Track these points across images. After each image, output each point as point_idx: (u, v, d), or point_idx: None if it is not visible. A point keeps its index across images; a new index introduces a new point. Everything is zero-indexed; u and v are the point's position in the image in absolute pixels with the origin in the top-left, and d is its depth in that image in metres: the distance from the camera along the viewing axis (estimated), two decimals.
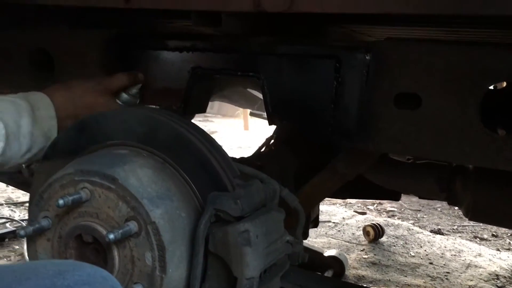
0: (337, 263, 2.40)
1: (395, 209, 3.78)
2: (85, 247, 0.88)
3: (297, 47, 1.20)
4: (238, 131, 7.74)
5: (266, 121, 1.33)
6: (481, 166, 1.05)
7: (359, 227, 3.15)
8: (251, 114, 3.17)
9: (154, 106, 1.15)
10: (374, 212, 3.71)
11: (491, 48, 1.03)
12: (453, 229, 3.37)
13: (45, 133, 1.01)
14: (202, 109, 1.46)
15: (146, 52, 1.38)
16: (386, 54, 1.08)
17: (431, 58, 1.04)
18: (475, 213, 1.51)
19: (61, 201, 0.80)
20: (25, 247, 2.56)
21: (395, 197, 1.96)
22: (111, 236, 0.77)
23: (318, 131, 1.23)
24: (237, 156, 1.41)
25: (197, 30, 1.50)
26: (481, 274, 2.50)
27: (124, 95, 1.19)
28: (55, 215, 0.88)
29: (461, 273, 2.53)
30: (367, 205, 3.79)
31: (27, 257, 2.43)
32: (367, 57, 1.12)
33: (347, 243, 2.91)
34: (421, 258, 2.72)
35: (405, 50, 1.06)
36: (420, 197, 1.85)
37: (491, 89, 1.03)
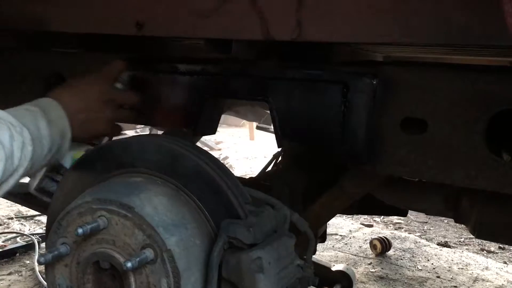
0: (345, 278, 2.41)
1: (402, 221, 3.79)
2: (102, 273, 0.90)
3: (305, 72, 1.23)
4: (244, 141, 7.78)
5: (273, 135, 1.35)
6: (487, 190, 1.07)
7: (366, 240, 3.16)
8: (258, 127, 3.19)
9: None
10: (381, 224, 3.72)
11: (497, 74, 1.05)
12: (460, 241, 3.37)
13: (61, 131, 1.06)
14: (212, 131, 1.49)
15: (157, 75, 1.42)
16: (392, 79, 1.11)
17: (437, 83, 1.06)
18: (481, 231, 1.52)
19: (80, 230, 0.83)
20: (35, 261, 2.59)
21: (402, 213, 1.98)
22: (129, 264, 0.80)
23: (326, 154, 1.26)
24: (245, 171, 1.44)
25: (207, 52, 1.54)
26: None
27: (119, 83, 1.27)
28: (73, 242, 0.91)
29: (469, 287, 2.54)
30: (373, 217, 3.80)
31: (38, 272, 2.47)
32: (374, 82, 1.14)
33: (354, 257, 2.93)
34: (429, 272, 2.72)
35: (411, 75, 1.09)
36: (427, 214, 1.87)
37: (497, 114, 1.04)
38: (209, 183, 0.93)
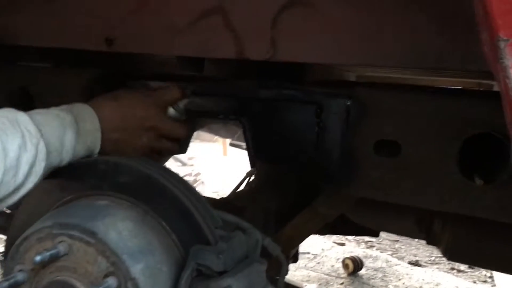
0: None
1: (374, 240, 3.80)
2: None
3: (278, 92, 1.22)
4: (217, 157, 7.73)
5: (246, 151, 1.32)
6: (459, 213, 1.07)
7: (338, 259, 3.15)
8: (231, 144, 3.18)
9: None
10: (353, 242, 3.72)
11: (469, 97, 1.06)
12: (430, 260, 3.39)
13: (88, 146, 0.97)
14: (183, 150, 1.45)
15: None
16: (366, 101, 1.10)
17: (410, 106, 1.06)
18: (453, 253, 1.52)
19: (38, 258, 0.78)
20: None
21: (375, 234, 1.97)
22: None
23: (300, 175, 1.24)
24: (218, 188, 1.41)
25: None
26: None
27: (172, 110, 1.15)
28: (31, 269, 0.85)
29: None
30: (346, 236, 3.80)
31: None
32: (348, 103, 1.13)
33: (327, 276, 2.91)
34: None
35: (385, 98, 1.08)
36: (399, 235, 1.87)
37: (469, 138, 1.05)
38: (178, 207, 0.89)
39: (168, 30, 1.09)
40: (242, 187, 1.86)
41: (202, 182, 5.92)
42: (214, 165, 7.09)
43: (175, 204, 0.89)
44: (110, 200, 0.90)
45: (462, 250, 1.48)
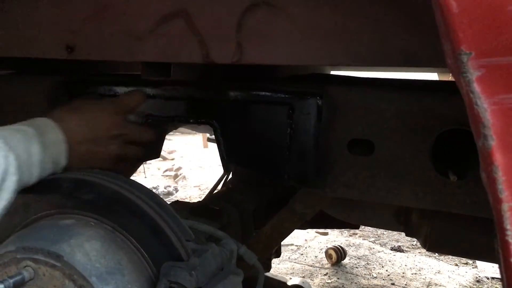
0: None
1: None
2: None
3: (248, 94, 1.19)
4: (198, 150, 7.67)
5: None
6: (435, 209, 1.06)
7: (321, 249, 3.16)
8: (209, 139, 3.14)
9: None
10: (336, 231, 3.73)
11: (441, 92, 1.05)
12: (412, 245, 3.43)
13: (54, 159, 0.92)
14: (156, 155, 1.42)
15: (94, 99, 1.33)
16: (337, 100, 1.08)
17: (382, 104, 1.04)
18: (432, 244, 1.53)
19: (1, 286, 0.74)
20: None
21: (355, 226, 1.97)
22: None
23: (274, 177, 1.22)
24: (199, 181, 1.38)
25: None
26: None
27: (133, 116, 1.13)
28: None
29: None
30: (326, 229, 3.81)
31: None
32: (319, 103, 1.11)
33: (310, 267, 2.91)
34: (383, 279, 2.74)
35: (356, 97, 1.06)
36: (378, 228, 1.87)
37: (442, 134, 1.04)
38: (147, 222, 0.86)
39: (128, 36, 1.05)
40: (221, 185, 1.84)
41: (184, 177, 5.88)
42: (195, 158, 7.04)
43: (144, 219, 0.86)
44: (75, 219, 0.87)
45: (440, 241, 1.49)
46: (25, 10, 1.17)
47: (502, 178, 0.45)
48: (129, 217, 0.87)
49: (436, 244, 1.51)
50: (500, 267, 0.50)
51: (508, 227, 0.46)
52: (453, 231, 1.46)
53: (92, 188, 0.89)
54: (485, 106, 0.43)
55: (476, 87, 0.42)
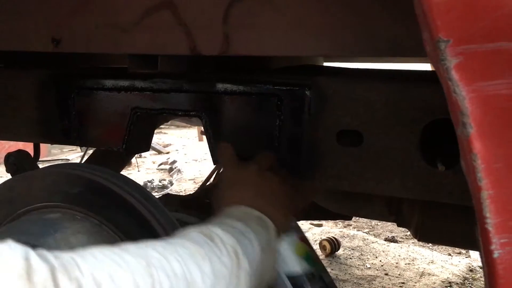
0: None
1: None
2: None
3: (236, 86, 1.18)
4: (193, 143, 7.67)
5: None
6: (424, 199, 1.07)
7: (316, 241, 3.16)
8: (202, 133, 3.13)
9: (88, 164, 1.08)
10: (330, 222, 3.74)
11: (430, 82, 1.05)
12: (406, 235, 3.44)
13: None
14: (145, 148, 1.41)
15: (82, 92, 1.33)
16: (325, 91, 1.07)
17: (370, 94, 1.04)
18: (423, 235, 1.54)
19: None
20: None
21: (347, 218, 1.98)
22: None
23: None
24: (195, 174, 1.37)
25: None
26: (434, 283, 2.56)
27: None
28: None
29: (416, 282, 2.59)
30: (319, 220, 3.82)
31: None
32: (307, 94, 1.11)
33: None
34: (377, 270, 2.76)
35: (345, 88, 1.06)
36: (370, 218, 1.88)
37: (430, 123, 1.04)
38: (134, 216, 0.86)
39: (114, 28, 1.04)
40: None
41: (179, 170, 5.87)
42: (190, 151, 7.03)
43: (131, 213, 0.86)
44: (61, 213, 0.86)
45: (431, 230, 1.49)
46: (10, 3, 1.16)
47: (481, 166, 0.45)
48: (116, 211, 0.86)
49: (427, 234, 1.52)
50: (480, 255, 0.50)
51: (488, 215, 0.46)
52: (443, 221, 1.47)
53: (79, 182, 0.88)
54: (463, 94, 0.42)
55: (454, 74, 0.42)
